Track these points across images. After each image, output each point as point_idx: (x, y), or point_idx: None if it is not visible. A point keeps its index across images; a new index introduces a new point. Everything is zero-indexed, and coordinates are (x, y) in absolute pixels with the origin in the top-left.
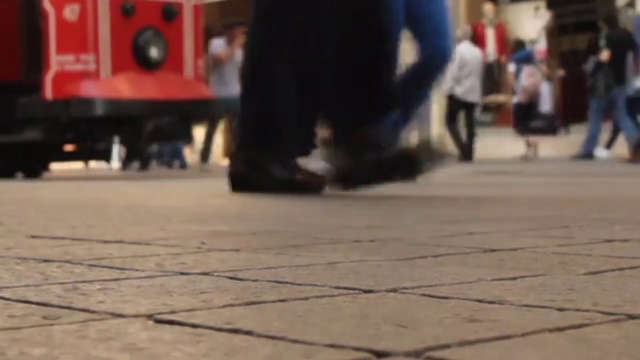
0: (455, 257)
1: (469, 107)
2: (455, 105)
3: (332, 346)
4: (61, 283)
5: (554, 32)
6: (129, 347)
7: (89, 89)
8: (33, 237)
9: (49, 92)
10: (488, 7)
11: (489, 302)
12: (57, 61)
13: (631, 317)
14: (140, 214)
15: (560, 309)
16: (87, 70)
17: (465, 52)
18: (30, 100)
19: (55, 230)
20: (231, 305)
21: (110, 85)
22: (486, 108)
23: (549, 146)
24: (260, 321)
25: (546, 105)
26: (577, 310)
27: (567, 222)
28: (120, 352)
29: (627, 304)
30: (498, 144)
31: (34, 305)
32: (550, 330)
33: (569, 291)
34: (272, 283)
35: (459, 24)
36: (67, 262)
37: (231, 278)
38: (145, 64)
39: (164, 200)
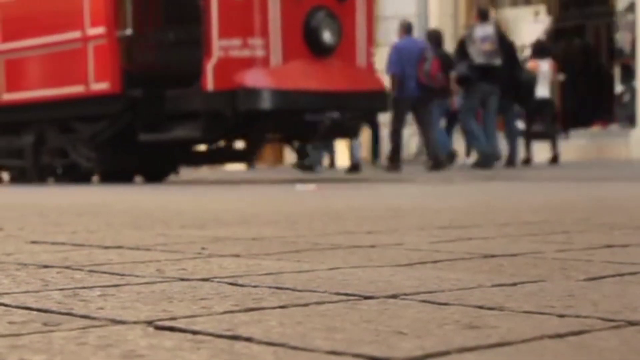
0: (455, 262)
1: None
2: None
3: (333, 352)
4: (61, 289)
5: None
6: (129, 354)
7: (257, 79)
8: (33, 242)
9: (209, 83)
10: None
11: (489, 309)
12: (220, 46)
13: (631, 323)
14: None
15: (560, 315)
16: (255, 57)
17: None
18: (183, 93)
19: (55, 235)
20: (231, 311)
21: (280, 74)
22: None
23: (547, 150)
24: (260, 327)
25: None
26: (577, 316)
27: (567, 227)
28: (120, 359)
29: (627, 310)
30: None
31: (34, 312)
32: (550, 337)
33: (568, 297)
34: (272, 289)
35: (458, 25)
36: (67, 267)
37: (231, 284)
38: (316, 50)
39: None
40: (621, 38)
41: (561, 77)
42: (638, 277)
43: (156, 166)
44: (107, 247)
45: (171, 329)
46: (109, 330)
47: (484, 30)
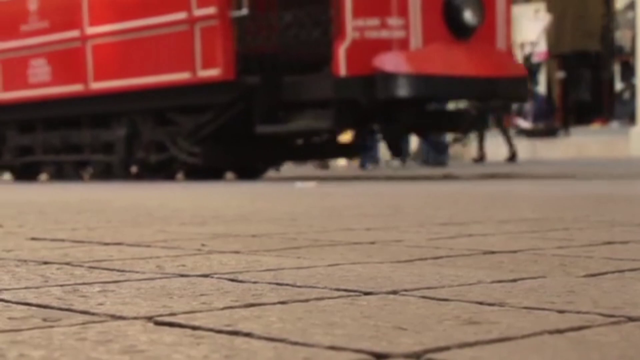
0: (455, 259)
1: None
2: None
3: (333, 348)
4: (61, 285)
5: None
6: (129, 349)
7: (397, 63)
8: (33, 239)
9: (342, 68)
10: None
11: (489, 304)
12: (355, 27)
13: (631, 319)
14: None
15: (560, 311)
16: (394, 39)
17: None
18: (308, 79)
19: (55, 232)
20: (231, 307)
21: (421, 58)
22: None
23: (548, 148)
24: (260, 323)
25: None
26: (577, 312)
27: (567, 224)
28: (120, 354)
29: (627, 306)
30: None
31: (34, 308)
32: (550, 333)
33: (568, 293)
34: (272, 285)
35: None
36: (67, 264)
37: (231, 280)
38: (457, 31)
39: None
40: (621, 36)
41: (561, 74)
42: (638, 274)
43: (252, 161)
44: (107, 244)
45: (171, 324)
46: (109, 326)
47: None
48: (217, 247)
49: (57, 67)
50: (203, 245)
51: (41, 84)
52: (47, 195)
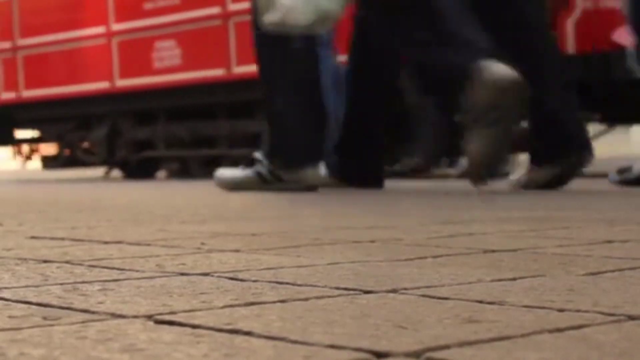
0: (455, 257)
1: None
2: None
3: (333, 347)
4: (61, 284)
5: None
6: (129, 348)
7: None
8: (33, 237)
9: (570, 44)
10: None
11: (489, 303)
12: None
13: (631, 317)
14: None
15: (560, 310)
16: None
17: None
18: None
19: (55, 231)
20: (231, 305)
21: None
22: None
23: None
24: (260, 322)
25: None
26: (577, 310)
27: (566, 223)
28: (120, 353)
29: (627, 305)
30: None
31: (33, 306)
32: (550, 331)
33: (568, 292)
34: (272, 284)
35: None
36: (67, 262)
37: (231, 279)
38: None
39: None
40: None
41: None
42: (638, 272)
43: None
44: (106, 243)
45: (171, 323)
46: (109, 324)
47: None
48: (217, 245)
49: (191, 49)
50: (203, 243)
51: (169, 69)
52: (45, 193)
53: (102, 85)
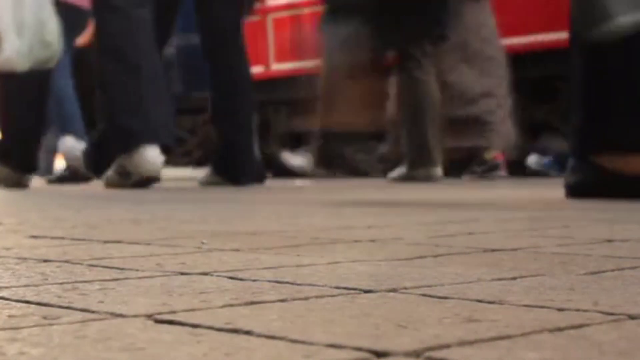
0: (455, 257)
1: None
2: None
3: (332, 346)
4: (60, 283)
5: None
6: (129, 347)
7: None
8: (33, 237)
9: None
10: None
11: (489, 302)
12: None
13: (631, 317)
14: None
15: (560, 309)
16: None
17: None
18: None
19: (54, 230)
20: (231, 305)
21: None
22: None
23: None
24: (260, 321)
25: None
26: (577, 310)
27: (567, 222)
28: (119, 352)
29: (627, 304)
30: None
31: (33, 305)
32: (550, 330)
33: (568, 291)
34: (272, 283)
35: None
36: (67, 262)
37: (231, 278)
38: None
39: None
40: None
41: None
42: (638, 272)
43: None
44: (106, 242)
45: (171, 322)
46: (109, 324)
47: None
48: (217, 244)
49: None
50: (203, 243)
51: None
52: (46, 192)
53: None
